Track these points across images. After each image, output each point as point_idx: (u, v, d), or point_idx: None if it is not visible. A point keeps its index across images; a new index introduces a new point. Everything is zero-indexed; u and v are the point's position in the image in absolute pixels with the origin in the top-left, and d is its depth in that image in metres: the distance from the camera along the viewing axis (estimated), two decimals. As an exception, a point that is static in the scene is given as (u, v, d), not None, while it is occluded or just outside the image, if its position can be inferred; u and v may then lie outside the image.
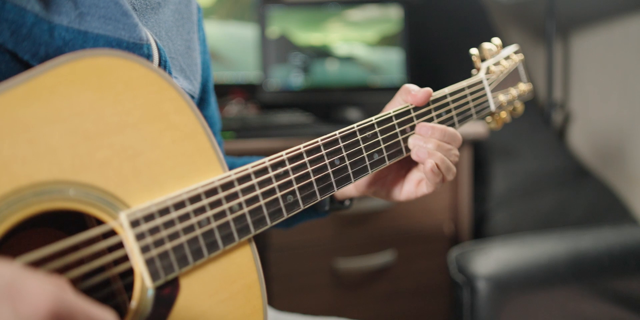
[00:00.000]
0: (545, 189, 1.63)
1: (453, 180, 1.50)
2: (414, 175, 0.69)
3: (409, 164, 0.69)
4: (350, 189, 0.72)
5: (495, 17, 1.97)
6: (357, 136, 0.61)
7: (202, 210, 0.49)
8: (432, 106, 0.67)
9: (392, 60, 1.67)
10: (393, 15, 1.67)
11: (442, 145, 0.64)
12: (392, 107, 0.66)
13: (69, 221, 0.52)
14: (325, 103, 1.69)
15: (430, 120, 0.67)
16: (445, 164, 0.63)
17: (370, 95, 1.67)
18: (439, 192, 1.50)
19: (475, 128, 1.45)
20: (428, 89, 0.65)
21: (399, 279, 1.48)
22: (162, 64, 0.58)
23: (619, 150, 1.71)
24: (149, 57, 0.56)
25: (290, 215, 0.56)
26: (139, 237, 0.46)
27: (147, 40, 0.56)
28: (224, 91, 1.66)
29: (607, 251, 1.37)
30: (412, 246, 1.49)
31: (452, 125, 0.69)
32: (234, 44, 1.67)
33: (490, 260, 1.33)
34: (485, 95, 0.73)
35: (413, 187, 0.69)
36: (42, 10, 0.48)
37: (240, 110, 1.60)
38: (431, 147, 0.63)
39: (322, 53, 1.66)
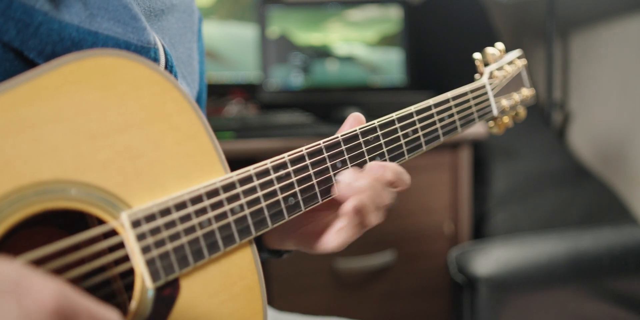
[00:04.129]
0: (545, 189, 1.63)
1: (453, 180, 1.50)
2: (336, 225, 0.59)
3: (331, 211, 0.61)
4: (275, 240, 0.66)
5: (495, 17, 1.97)
6: (359, 139, 0.61)
7: (203, 211, 0.49)
8: (434, 110, 0.67)
9: (392, 60, 1.67)
10: (393, 15, 1.67)
11: (376, 185, 0.57)
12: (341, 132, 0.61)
13: (71, 220, 0.52)
14: (325, 103, 1.69)
15: (433, 124, 0.67)
16: (374, 204, 0.56)
17: (370, 95, 1.67)
18: (439, 192, 1.50)
19: (475, 128, 1.45)
20: (353, 114, 0.62)
21: (399, 279, 1.48)
22: (169, 68, 0.59)
23: (618, 150, 1.71)
24: (155, 61, 0.56)
25: (291, 217, 0.56)
26: (140, 237, 0.46)
27: (154, 44, 0.56)
28: (224, 91, 1.66)
29: (607, 251, 1.37)
30: (412, 246, 1.49)
31: (455, 129, 0.69)
32: (234, 44, 1.67)
33: (490, 260, 1.33)
34: (488, 100, 0.73)
35: (332, 236, 0.59)
36: (52, 9, 0.47)
37: (240, 110, 1.60)
38: (363, 184, 0.56)
39: (322, 53, 1.66)
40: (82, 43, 0.49)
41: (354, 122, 0.62)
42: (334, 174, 0.59)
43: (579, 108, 1.87)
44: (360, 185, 0.56)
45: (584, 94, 1.85)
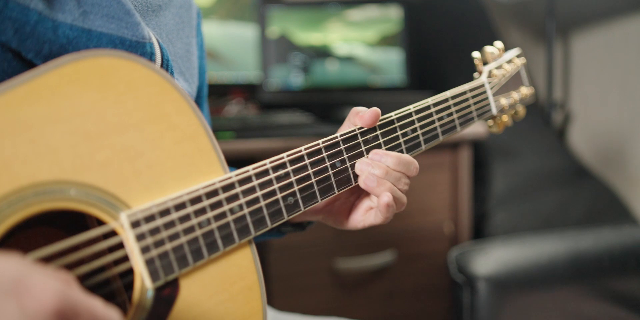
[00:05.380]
0: (545, 189, 1.63)
1: (453, 180, 1.50)
2: (364, 204, 0.64)
3: (359, 190, 0.65)
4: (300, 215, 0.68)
5: (495, 17, 1.97)
6: (358, 139, 0.61)
7: (202, 211, 0.49)
8: (433, 109, 0.67)
9: (392, 60, 1.67)
10: (393, 15, 1.67)
11: (391, 172, 0.60)
12: (342, 131, 0.62)
13: (70, 220, 0.52)
14: (325, 103, 1.68)
15: (432, 123, 0.67)
16: (396, 194, 0.59)
17: (370, 95, 1.67)
18: (439, 192, 1.50)
19: (475, 128, 1.45)
20: (375, 109, 0.61)
21: (399, 279, 1.48)
22: (165, 63, 0.59)
23: (619, 151, 1.71)
24: (151, 55, 0.56)
25: (290, 216, 0.56)
26: (140, 237, 0.46)
27: (149, 38, 0.56)
28: (224, 91, 1.66)
29: (607, 251, 1.37)
30: (412, 246, 1.49)
31: (454, 128, 0.69)
32: (234, 44, 1.67)
33: (490, 260, 1.33)
34: (487, 98, 0.73)
35: (361, 215, 0.64)
36: (45, 8, 0.48)
37: (240, 110, 1.60)
38: (379, 173, 0.59)
39: (322, 53, 1.66)
40: (76, 41, 0.50)
41: (373, 115, 0.61)
42: (333, 174, 0.59)
43: (579, 108, 1.87)
44: (378, 174, 0.59)
45: (584, 94, 1.85)
